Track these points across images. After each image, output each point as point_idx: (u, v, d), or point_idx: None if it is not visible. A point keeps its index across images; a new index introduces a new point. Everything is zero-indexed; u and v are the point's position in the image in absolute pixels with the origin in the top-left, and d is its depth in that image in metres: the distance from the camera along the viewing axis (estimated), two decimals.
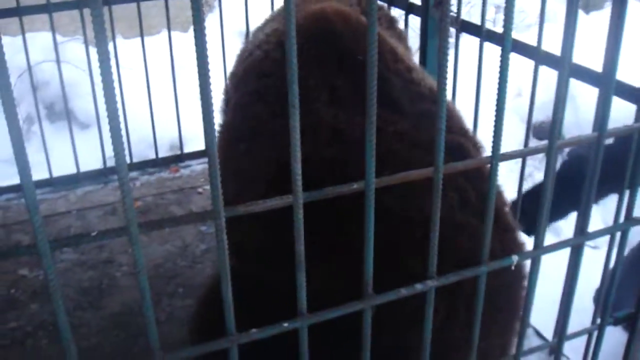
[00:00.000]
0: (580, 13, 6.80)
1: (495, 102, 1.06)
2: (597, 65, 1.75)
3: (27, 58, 2.99)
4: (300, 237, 1.00)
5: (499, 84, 1.04)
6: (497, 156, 1.11)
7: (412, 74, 1.68)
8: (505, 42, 1.02)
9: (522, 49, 2.06)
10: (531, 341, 2.13)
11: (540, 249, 1.25)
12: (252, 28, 3.61)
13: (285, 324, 1.05)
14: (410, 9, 2.54)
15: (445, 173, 1.06)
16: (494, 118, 1.07)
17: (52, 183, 3.04)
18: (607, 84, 1.19)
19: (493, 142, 1.09)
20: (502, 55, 1.03)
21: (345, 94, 1.59)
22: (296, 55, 0.88)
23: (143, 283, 0.93)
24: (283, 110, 0.98)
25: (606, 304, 1.49)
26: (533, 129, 2.79)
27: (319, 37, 1.67)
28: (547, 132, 1.73)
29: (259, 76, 1.76)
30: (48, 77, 5.00)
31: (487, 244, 1.19)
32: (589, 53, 2.47)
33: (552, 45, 1.84)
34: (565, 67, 1.14)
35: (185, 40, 4.11)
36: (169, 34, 3.00)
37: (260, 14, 2.48)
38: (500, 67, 1.04)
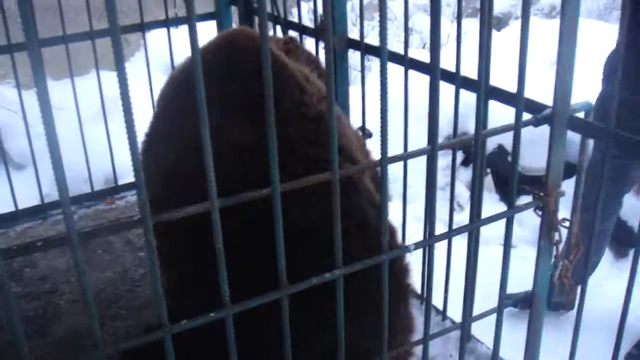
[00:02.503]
0: (493, 32, 7.17)
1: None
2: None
3: None
4: (218, 236, 1.16)
5: (381, 95, 1.23)
6: (386, 159, 1.30)
7: (310, 108, 1.78)
8: (382, 56, 1.21)
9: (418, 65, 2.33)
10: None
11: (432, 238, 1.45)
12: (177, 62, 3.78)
13: (212, 314, 1.22)
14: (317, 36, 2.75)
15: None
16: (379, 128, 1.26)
17: None
18: (479, 89, 1.40)
19: (381, 147, 1.28)
20: (381, 69, 1.22)
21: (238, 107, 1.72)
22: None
23: (85, 285, 1.08)
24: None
25: (503, 288, 1.69)
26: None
27: (224, 54, 1.82)
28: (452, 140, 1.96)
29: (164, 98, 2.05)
30: None
31: (386, 235, 1.37)
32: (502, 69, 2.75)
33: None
34: (437, 74, 1.35)
35: (114, 78, 4.24)
36: (97, 72, 3.14)
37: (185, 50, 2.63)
38: (380, 78, 1.23)
